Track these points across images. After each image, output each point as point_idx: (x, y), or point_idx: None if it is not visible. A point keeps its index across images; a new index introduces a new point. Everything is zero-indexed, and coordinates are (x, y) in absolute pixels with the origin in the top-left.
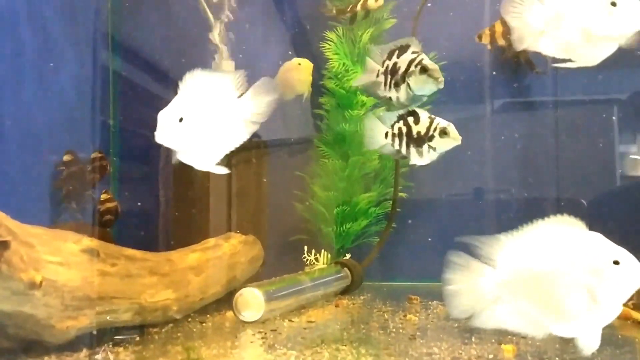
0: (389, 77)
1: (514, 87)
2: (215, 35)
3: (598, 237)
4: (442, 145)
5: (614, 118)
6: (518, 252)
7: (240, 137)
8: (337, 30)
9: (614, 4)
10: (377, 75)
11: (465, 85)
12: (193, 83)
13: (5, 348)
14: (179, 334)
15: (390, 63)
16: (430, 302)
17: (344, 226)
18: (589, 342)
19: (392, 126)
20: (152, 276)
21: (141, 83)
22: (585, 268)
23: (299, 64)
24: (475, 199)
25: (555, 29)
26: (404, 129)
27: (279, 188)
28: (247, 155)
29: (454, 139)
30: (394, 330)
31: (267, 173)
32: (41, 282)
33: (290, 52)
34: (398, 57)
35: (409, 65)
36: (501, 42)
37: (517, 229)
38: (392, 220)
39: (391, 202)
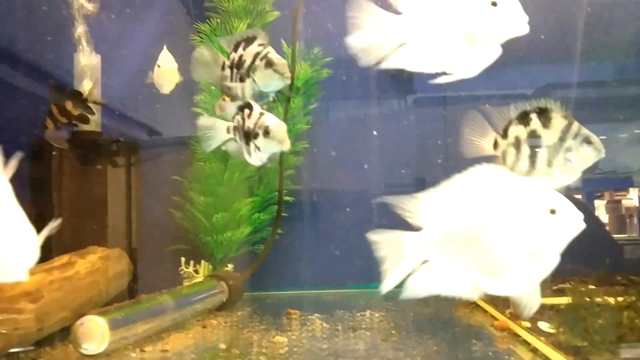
0: (235, 70)
1: (404, 84)
2: (78, 28)
3: (531, 183)
4: (265, 146)
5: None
6: (441, 209)
7: None
8: (211, 21)
9: (494, 4)
10: (223, 68)
11: (353, 82)
12: None
13: None
14: None
15: (236, 56)
16: (310, 316)
17: (224, 234)
18: (531, 300)
19: (233, 118)
20: None
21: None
22: (517, 218)
23: (159, 66)
24: (362, 200)
25: (420, 40)
26: (240, 122)
27: (154, 193)
28: (117, 156)
29: (279, 142)
30: (255, 357)
31: (140, 177)
32: None
33: (161, 44)
34: (244, 49)
35: (254, 59)
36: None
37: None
38: (277, 226)
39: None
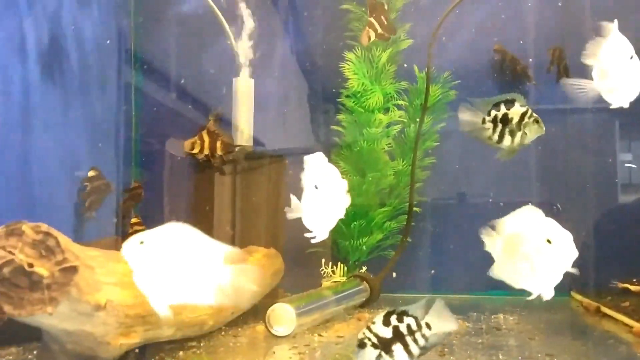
0: (500, 124)
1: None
2: (237, 53)
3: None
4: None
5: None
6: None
7: None
8: (355, 50)
9: None
10: (483, 122)
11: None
12: None
13: None
14: (220, 348)
15: (499, 113)
16: None
17: (360, 240)
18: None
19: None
20: None
21: (163, 99)
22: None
23: None
24: (485, 211)
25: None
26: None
27: None
28: (264, 166)
29: None
30: None
31: (285, 185)
32: (105, 304)
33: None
34: (507, 109)
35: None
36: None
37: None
38: (407, 234)
39: (406, 216)
